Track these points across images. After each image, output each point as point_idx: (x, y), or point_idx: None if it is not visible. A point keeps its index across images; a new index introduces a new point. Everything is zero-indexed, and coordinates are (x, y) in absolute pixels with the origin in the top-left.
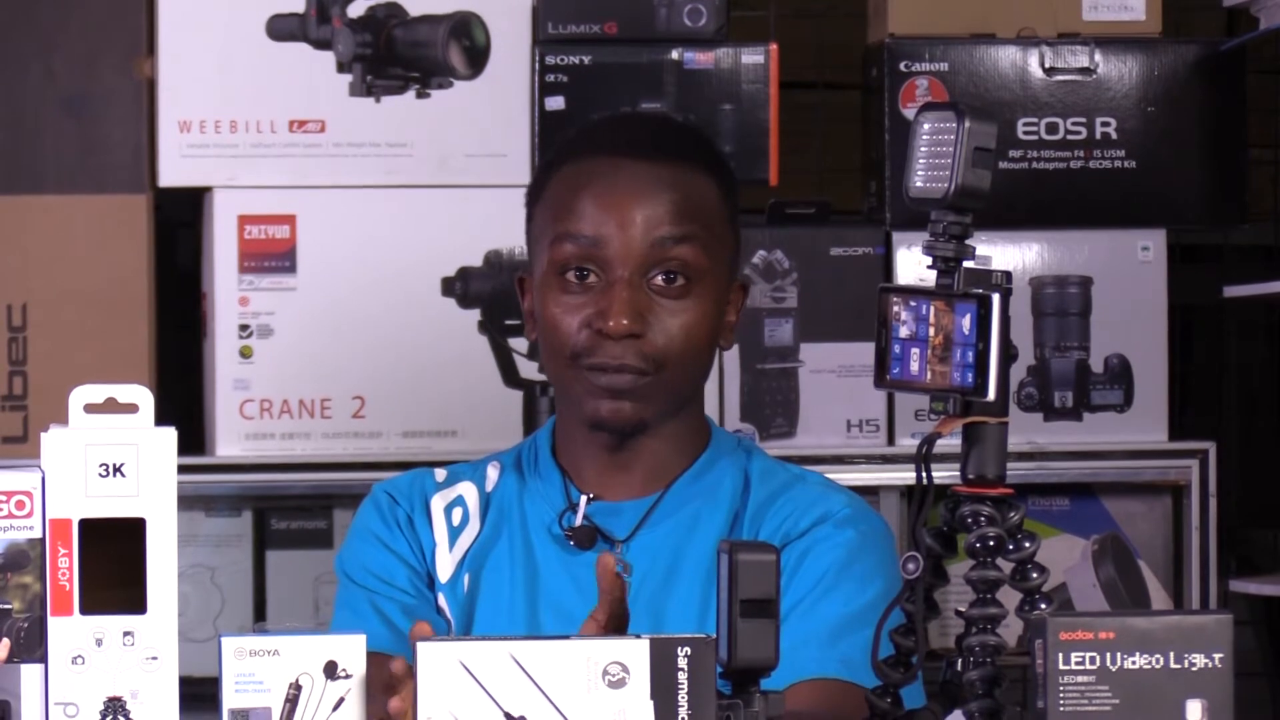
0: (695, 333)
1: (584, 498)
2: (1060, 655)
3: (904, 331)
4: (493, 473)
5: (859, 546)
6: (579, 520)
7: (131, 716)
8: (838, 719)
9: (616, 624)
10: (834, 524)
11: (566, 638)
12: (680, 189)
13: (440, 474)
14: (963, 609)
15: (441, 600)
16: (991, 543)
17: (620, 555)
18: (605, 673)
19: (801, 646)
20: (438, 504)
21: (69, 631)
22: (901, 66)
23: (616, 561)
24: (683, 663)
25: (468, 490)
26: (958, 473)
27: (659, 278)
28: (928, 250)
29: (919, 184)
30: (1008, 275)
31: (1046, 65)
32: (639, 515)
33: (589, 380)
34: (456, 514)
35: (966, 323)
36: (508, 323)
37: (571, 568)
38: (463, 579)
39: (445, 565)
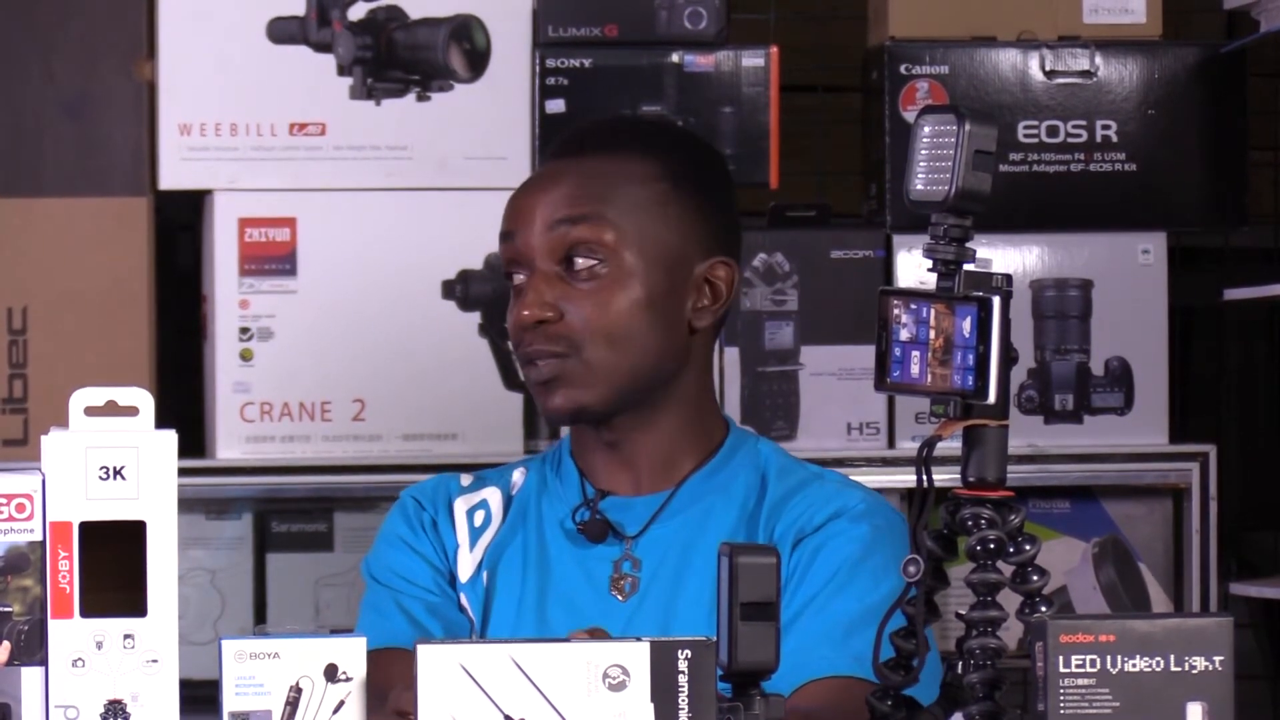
0: (616, 309)
1: (596, 492)
2: (1061, 658)
3: (904, 334)
4: (518, 476)
5: (873, 541)
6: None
7: (132, 719)
8: (848, 716)
9: None
10: (848, 519)
11: (567, 640)
12: (587, 174)
13: (466, 479)
14: (963, 612)
15: (464, 600)
16: (992, 545)
17: (629, 550)
18: (605, 675)
19: (815, 644)
20: (460, 507)
21: (69, 634)
22: (902, 69)
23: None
24: (683, 665)
25: (492, 494)
26: (958, 475)
27: (576, 262)
28: (928, 253)
29: (919, 187)
30: (1008, 278)
31: (1047, 68)
32: (651, 511)
33: (527, 377)
34: (479, 516)
35: (967, 325)
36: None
37: (583, 562)
38: (481, 576)
39: (466, 565)
